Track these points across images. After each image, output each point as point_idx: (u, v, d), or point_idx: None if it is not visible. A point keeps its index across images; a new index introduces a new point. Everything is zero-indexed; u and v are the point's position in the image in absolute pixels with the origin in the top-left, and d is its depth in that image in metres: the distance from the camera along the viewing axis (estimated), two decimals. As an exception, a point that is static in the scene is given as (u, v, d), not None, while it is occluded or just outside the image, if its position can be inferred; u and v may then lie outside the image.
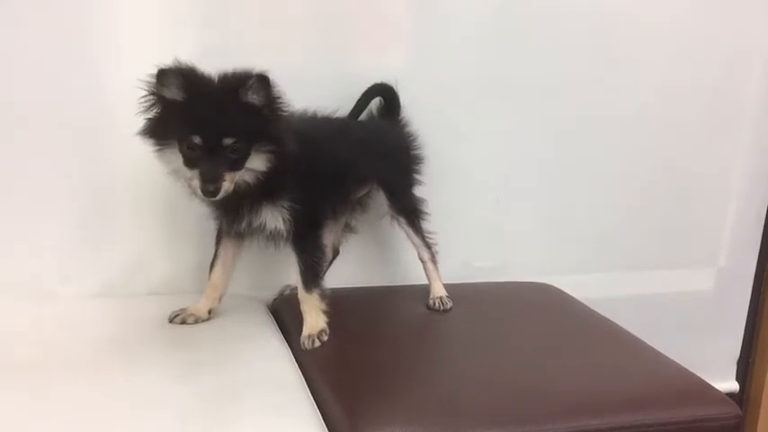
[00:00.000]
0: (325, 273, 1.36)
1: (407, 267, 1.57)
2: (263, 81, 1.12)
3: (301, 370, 1.19)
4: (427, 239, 1.47)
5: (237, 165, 1.14)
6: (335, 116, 1.39)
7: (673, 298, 1.85)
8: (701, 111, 1.76)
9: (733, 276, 1.91)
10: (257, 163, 1.16)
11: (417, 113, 1.52)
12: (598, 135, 1.69)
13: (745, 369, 1.99)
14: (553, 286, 1.62)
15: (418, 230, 1.46)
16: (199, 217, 1.34)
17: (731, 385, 1.96)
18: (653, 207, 1.78)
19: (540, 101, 1.63)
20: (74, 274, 1.39)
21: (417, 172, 1.49)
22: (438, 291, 1.46)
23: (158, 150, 1.17)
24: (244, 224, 1.24)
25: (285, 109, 1.16)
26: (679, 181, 1.79)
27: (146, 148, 1.37)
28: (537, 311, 1.51)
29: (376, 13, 1.49)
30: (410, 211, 1.46)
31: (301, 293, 1.29)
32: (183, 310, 1.31)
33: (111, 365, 1.14)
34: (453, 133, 1.58)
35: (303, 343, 1.25)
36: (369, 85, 1.47)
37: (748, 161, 1.84)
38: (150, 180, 1.40)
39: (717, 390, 1.22)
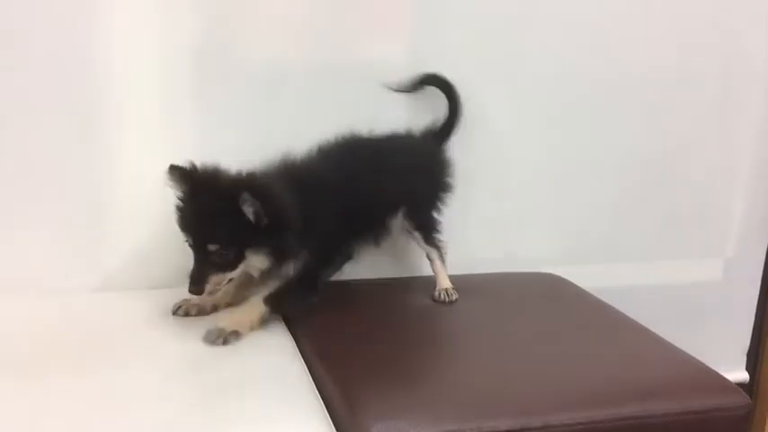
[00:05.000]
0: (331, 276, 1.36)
1: (413, 259, 1.56)
2: (259, 195, 1.14)
3: (305, 363, 1.18)
4: (438, 244, 1.46)
5: (226, 268, 1.20)
6: (365, 137, 1.39)
7: (681, 288, 1.84)
8: (709, 99, 1.74)
9: (742, 266, 1.90)
10: (257, 261, 1.21)
11: (420, 109, 1.51)
12: (604, 124, 1.68)
13: (754, 359, 1.98)
14: (560, 277, 1.61)
15: (431, 241, 1.46)
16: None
17: (741, 375, 1.95)
18: (660, 197, 1.77)
19: (544, 91, 1.62)
20: (73, 269, 1.39)
21: (444, 199, 1.48)
22: (444, 283, 1.45)
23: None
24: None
25: (286, 215, 1.18)
26: (687, 171, 1.78)
27: (144, 144, 1.38)
28: (544, 302, 1.50)
29: (380, 4, 1.48)
30: (426, 227, 1.45)
31: (257, 299, 1.26)
32: (186, 300, 1.30)
33: (111, 361, 1.13)
34: (456, 127, 1.56)
35: (208, 333, 1.19)
36: (372, 79, 1.45)
37: (756, 150, 1.82)
38: (150, 175, 1.40)
39: (726, 379, 1.20)
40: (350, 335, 1.27)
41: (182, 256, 1.35)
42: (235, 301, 1.32)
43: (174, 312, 1.30)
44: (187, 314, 1.29)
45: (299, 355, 1.21)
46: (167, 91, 1.39)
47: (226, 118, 1.43)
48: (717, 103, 1.75)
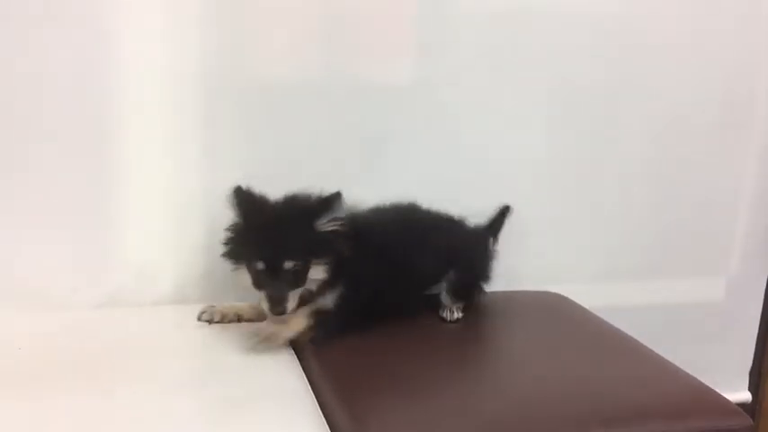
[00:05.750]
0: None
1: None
2: (326, 207, 1.23)
3: (307, 378, 1.19)
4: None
5: (299, 282, 1.25)
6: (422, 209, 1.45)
7: (683, 307, 1.84)
8: (711, 118, 1.75)
9: (744, 285, 1.89)
10: (317, 273, 1.26)
11: (424, 122, 1.53)
12: (607, 143, 1.69)
13: (757, 379, 1.97)
14: (562, 295, 1.61)
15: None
16: (205, 227, 1.34)
17: (743, 395, 1.94)
18: (663, 215, 1.77)
19: (549, 110, 1.63)
20: (81, 284, 1.40)
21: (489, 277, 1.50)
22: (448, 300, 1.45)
23: (233, 270, 1.28)
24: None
25: (344, 223, 1.25)
26: (689, 189, 1.78)
27: (152, 157, 1.39)
28: (546, 321, 1.50)
29: (386, 18, 1.49)
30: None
31: (304, 311, 1.28)
32: (211, 306, 1.34)
33: (116, 375, 1.14)
34: (461, 138, 1.58)
35: (251, 339, 1.23)
36: (378, 96, 1.48)
37: (758, 168, 1.82)
38: (157, 189, 1.41)
39: (728, 400, 1.20)
40: (353, 351, 1.27)
41: (188, 272, 1.37)
42: (258, 318, 1.34)
43: (200, 318, 1.33)
44: (211, 320, 1.33)
45: (302, 371, 1.22)
46: (175, 109, 1.41)
47: (232, 135, 1.44)
48: (719, 120, 1.76)
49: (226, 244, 1.27)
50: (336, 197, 1.24)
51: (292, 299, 1.24)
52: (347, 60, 1.48)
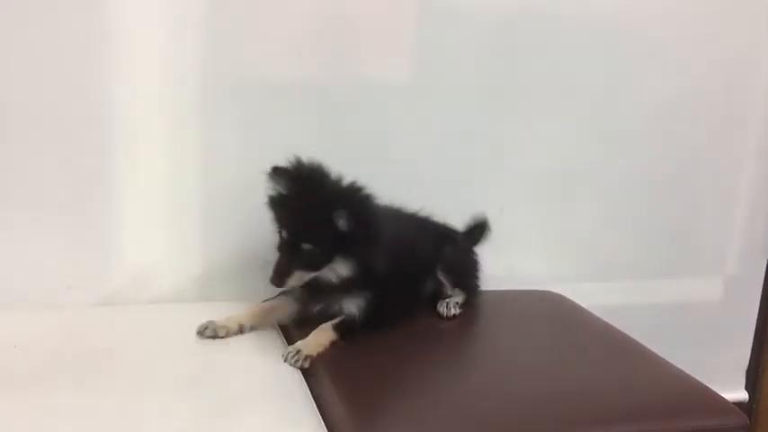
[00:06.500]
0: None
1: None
2: (355, 210, 1.20)
3: (305, 380, 1.19)
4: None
5: (313, 266, 1.24)
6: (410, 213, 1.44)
7: (680, 306, 1.84)
8: (707, 118, 1.75)
9: (741, 285, 1.90)
10: (343, 268, 1.25)
11: (424, 122, 1.53)
12: (604, 143, 1.69)
13: (754, 378, 1.98)
14: (559, 294, 1.61)
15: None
16: (203, 226, 1.34)
17: (740, 395, 1.95)
18: (660, 215, 1.78)
19: (546, 111, 1.63)
20: (76, 283, 1.39)
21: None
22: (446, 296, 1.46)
23: (273, 221, 1.27)
24: (318, 308, 1.30)
25: (375, 230, 1.23)
26: (686, 189, 1.79)
27: (151, 156, 1.38)
28: (543, 320, 1.50)
29: (383, 20, 1.49)
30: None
31: (327, 325, 1.28)
32: (212, 322, 1.27)
33: (114, 375, 1.14)
34: (459, 141, 1.58)
35: (287, 356, 1.21)
36: (375, 95, 1.49)
37: (755, 168, 1.83)
38: (156, 188, 1.41)
39: (724, 399, 1.20)
40: (352, 352, 1.26)
41: (185, 271, 1.37)
42: (260, 324, 1.32)
43: (200, 333, 1.26)
44: (215, 336, 1.26)
45: (300, 372, 1.21)
46: (174, 108, 1.41)
47: (231, 135, 1.44)
48: (718, 120, 1.76)
49: (270, 197, 1.27)
50: (366, 199, 1.24)
51: (297, 278, 1.24)
52: (346, 60, 1.48)
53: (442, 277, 1.45)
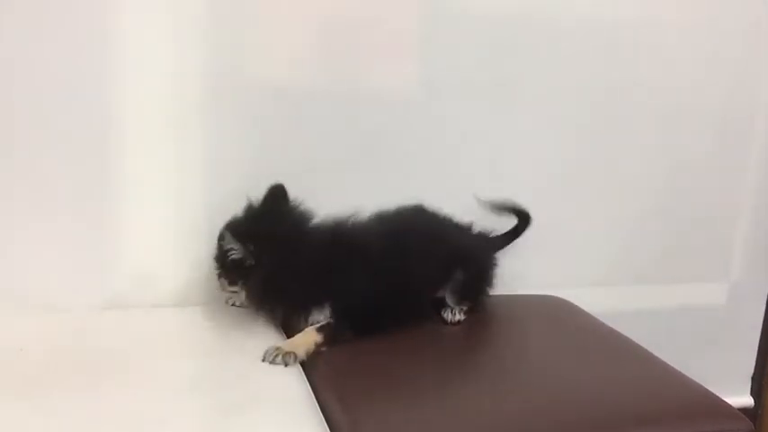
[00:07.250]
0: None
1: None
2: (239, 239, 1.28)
3: (309, 383, 1.19)
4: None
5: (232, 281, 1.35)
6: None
7: (685, 312, 1.84)
8: (713, 122, 1.75)
9: (746, 290, 1.90)
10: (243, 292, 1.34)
11: (427, 124, 1.53)
12: (608, 147, 1.69)
13: (759, 384, 1.97)
14: (564, 299, 1.61)
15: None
16: (207, 229, 1.34)
17: (746, 401, 1.94)
18: (664, 220, 1.77)
19: (551, 113, 1.63)
20: (80, 287, 1.39)
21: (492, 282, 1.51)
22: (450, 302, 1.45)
23: None
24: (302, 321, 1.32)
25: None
26: (691, 194, 1.78)
27: (154, 160, 1.39)
28: (547, 325, 1.50)
29: (388, 22, 1.49)
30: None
31: (311, 328, 1.28)
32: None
33: (116, 379, 1.14)
34: (462, 143, 1.58)
35: (266, 354, 1.21)
36: (380, 102, 1.49)
37: (760, 174, 1.83)
38: (159, 191, 1.41)
39: (728, 404, 1.20)
40: (355, 354, 1.27)
41: (189, 274, 1.37)
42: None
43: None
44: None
45: (303, 373, 1.21)
46: (177, 111, 1.41)
47: (234, 139, 1.44)
48: (721, 127, 1.76)
49: None
50: (232, 225, 1.32)
51: (221, 284, 1.36)
52: (350, 64, 1.49)
53: (449, 300, 1.44)
